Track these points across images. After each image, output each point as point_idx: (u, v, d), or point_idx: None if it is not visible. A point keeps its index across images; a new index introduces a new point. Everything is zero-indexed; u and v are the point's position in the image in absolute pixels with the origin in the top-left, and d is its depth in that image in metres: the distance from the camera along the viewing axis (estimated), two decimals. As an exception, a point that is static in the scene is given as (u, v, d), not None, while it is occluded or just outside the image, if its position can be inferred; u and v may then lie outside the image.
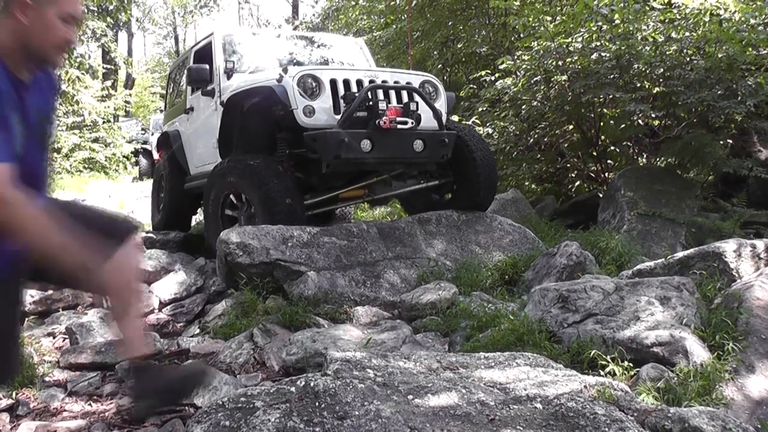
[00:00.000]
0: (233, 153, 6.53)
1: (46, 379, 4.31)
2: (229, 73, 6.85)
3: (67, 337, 5.09)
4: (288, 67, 5.88)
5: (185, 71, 7.73)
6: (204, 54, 7.56)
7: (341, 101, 5.81)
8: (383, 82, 6.06)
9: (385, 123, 5.65)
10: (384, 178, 6.51)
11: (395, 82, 6.13)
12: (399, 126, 5.77)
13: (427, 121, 6.10)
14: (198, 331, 5.34)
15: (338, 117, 5.73)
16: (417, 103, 5.99)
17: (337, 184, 6.41)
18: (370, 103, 5.75)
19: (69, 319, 5.43)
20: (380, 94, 5.91)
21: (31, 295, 5.89)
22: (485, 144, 6.72)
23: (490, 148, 7.05)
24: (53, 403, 3.95)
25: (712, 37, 7.31)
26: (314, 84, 5.80)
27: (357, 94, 5.73)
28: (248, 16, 43.15)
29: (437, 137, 6.04)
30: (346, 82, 5.92)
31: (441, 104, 6.32)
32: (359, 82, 5.94)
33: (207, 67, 6.92)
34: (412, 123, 5.88)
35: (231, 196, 6.24)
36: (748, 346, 3.47)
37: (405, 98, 6.03)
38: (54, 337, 5.22)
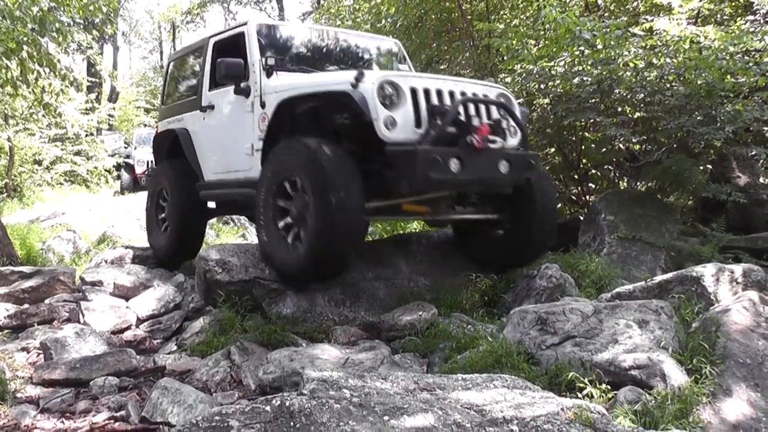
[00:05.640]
0: None
1: (18, 395, 4.24)
2: (268, 71, 6.09)
3: (41, 352, 5.01)
4: (363, 71, 5.16)
5: (204, 62, 7.05)
6: (228, 46, 6.73)
7: (422, 113, 5.20)
8: (473, 95, 5.52)
9: (477, 142, 5.12)
10: (448, 199, 5.93)
11: (473, 94, 5.54)
12: (490, 145, 5.25)
13: (510, 138, 5.67)
14: (175, 348, 5.29)
15: (419, 130, 5.14)
16: (507, 120, 5.56)
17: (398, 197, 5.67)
18: (462, 118, 5.27)
19: (44, 333, 5.35)
20: (471, 108, 5.41)
21: (6, 309, 5.82)
22: (548, 180, 6.21)
23: (552, 184, 6.34)
24: (24, 420, 3.88)
25: (692, 64, 7.39)
26: (394, 92, 5.17)
27: (446, 107, 5.21)
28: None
29: (523, 158, 5.55)
30: (426, 92, 5.29)
31: None
32: (439, 92, 5.35)
33: (242, 61, 6.13)
34: (502, 142, 5.39)
35: (285, 184, 5.45)
36: (725, 369, 3.48)
37: (494, 114, 5.54)
38: (28, 353, 5.14)
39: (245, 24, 6.50)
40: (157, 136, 8.17)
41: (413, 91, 5.19)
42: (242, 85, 6.23)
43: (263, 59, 6.06)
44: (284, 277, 5.40)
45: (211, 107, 6.92)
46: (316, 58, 6.85)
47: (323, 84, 5.59)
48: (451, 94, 5.38)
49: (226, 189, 6.80)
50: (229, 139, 6.60)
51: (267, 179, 5.53)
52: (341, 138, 5.65)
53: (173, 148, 7.64)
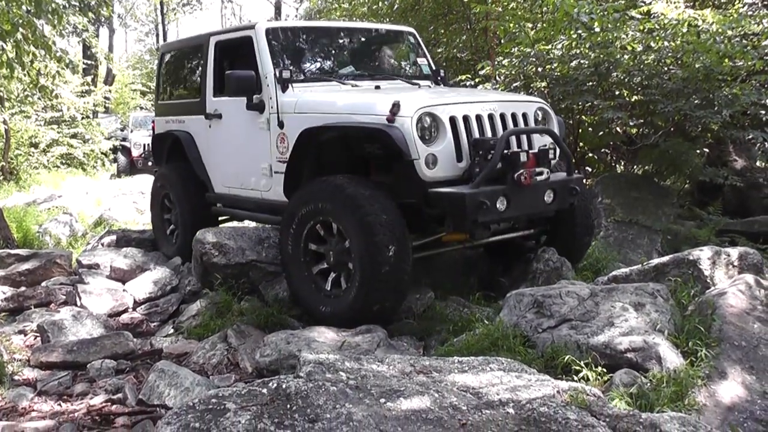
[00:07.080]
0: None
1: (15, 377, 4.26)
2: (284, 85, 5.59)
3: (38, 335, 5.03)
4: (398, 102, 4.65)
5: (206, 64, 6.55)
6: (232, 49, 6.29)
7: (462, 145, 4.82)
8: (512, 115, 5.16)
9: (526, 178, 4.70)
10: None
11: (513, 114, 5.16)
12: (537, 178, 4.85)
13: (552, 161, 5.23)
14: (172, 331, 5.31)
15: (460, 165, 4.80)
16: (554, 148, 5.12)
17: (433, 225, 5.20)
18: (508, 152, 4.80)
19: (41, 316, 5.36)
20: (514, 139, 5.03)
21: (3, 292, 5.81)
22: (588, 199, 6.00)
23: (585, 185, 6.03)
24: (22, 402, 3.90)
25: (690, 47, 7.37)
26: (432, 124, 4.76)
27: (491, 141, 4.78)
28: (231, 15, 43.00)
29: (567, 186, 5.14)
30: (466, 119, 4.88)
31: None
32: (478, 118, 4.94)
33: (253, 74, 5.60)
34: (548, 173, 4.95)
35: (318, 227, 4.97)
36: (720, 352, 3.50)
37: (538, 139, 5.21)
38: (25, 335, 5.15)
39: (252, 28, 5.91)
40: (156, 137, 7.64)
41: (452, 121, 4.81)
42: (255, 99, 5.72)
43: (277, 72, 5.58)
44: (321, 323, 4.80)
45: (218, 116, 6.40)
46: (332, 61, 6.45)
47: (353, 114, 5.04)
48: (491, 117, 5.01)
49: (241, 209, 6.48)
50: (243, 155, 6.15)
51: (297, 219, 5.02)
52: (371, 165, 5.33)
53: (174, 151, 7.20)
